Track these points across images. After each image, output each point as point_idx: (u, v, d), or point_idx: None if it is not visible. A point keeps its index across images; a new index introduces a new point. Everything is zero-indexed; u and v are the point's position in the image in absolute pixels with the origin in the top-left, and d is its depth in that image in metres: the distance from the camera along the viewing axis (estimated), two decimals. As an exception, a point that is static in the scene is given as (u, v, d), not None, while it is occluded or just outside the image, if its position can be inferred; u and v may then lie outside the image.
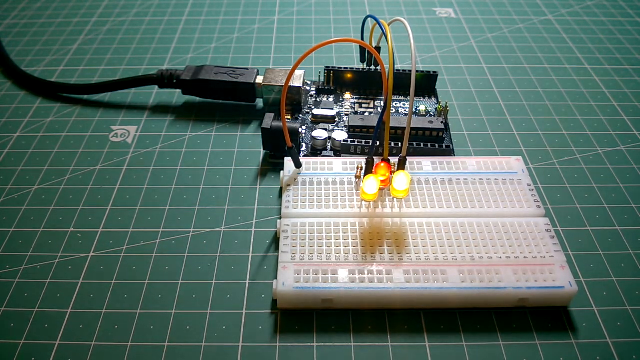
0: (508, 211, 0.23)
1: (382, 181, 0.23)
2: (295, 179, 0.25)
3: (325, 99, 0.31)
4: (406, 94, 0.31)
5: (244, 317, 0.21)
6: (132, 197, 0.26)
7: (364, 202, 0.23)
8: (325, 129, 0.28)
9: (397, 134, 0.27)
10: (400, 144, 0.26)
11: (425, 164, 0.25)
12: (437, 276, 0.21)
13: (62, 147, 0.29)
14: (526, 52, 0.36)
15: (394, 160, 0.23)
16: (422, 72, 0.31)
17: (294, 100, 0.30)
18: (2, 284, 0.22)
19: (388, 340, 0.20)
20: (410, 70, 0.31)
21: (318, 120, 0.29)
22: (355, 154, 0.27)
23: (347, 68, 0.32)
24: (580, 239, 0.24)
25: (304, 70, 0.31)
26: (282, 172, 0.25)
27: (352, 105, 0.31)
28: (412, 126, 0.27)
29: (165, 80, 0.31)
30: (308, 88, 0.32)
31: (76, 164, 0.28)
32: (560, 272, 0.21)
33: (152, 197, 0.26)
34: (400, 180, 0.22)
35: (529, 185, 0.24)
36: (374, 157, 0.23)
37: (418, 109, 0.30)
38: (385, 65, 0.23)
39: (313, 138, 0.27)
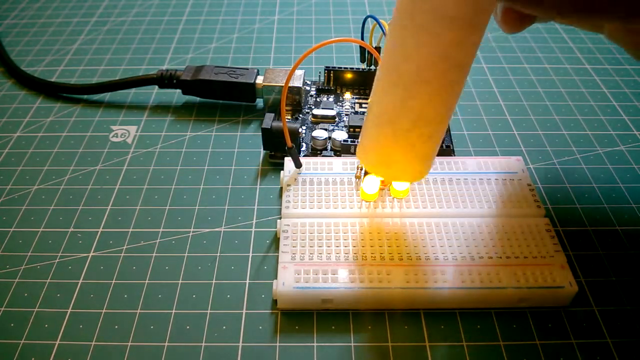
0: (508, 211, 0.23)
1: (382, 181, 0.23)
2: (295, 179, 0.25)
3: (325, 99, 0.31)
4: (406, 94, 0.31)
5: (244, 317, 0.21)
6: (132, 197, 0.26)
7: (364, 202, 0.23)
8: (325, 129, 0.28)
9: (397, 134, 0.27)
10: (400, 144, 0.26)
11: (425, 164, 0.25)
12: (437, 276, 0.21)
13: (62, 147, 0.29)
14: (526, 52, 0.36)
15: (394, 160, 0.23)
16: (422, 72, 0.31)
17: (294, 100, 0.30)
18: (2, 284, 0.22)
19: (388, 340, 0.20)
20: (410, 70, 0.31)
21: (318, 120, 0.29)
22: (355, 154, 0.27)
23: (347, 68, 0.32)
24: (580, 239, 0.24)
25: (304, 70, 0.31)
26: (282, 172, 0.25)
27: (352, 105, 0.31)
28: (412, 126, 0.27)
29: (165, 80, 0.31)
30: (308, 88, 0.32)
31: (76, 164, 0.28)
32: (560, 272, 0.21)
33: (152, 197, 0.26)
34: (400, 180, 0.22)
35: (529, 185, 0.24)
36: (374, 157, 0.23)
37: (418, 109, 0.30)
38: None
39: (313, 138, 0.27)
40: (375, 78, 0.19)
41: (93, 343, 0.20)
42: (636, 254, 0.23)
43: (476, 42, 0.17)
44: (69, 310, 0.21)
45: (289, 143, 0.24)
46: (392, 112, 0.18)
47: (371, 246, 0.22)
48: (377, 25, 0.27)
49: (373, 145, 0.20)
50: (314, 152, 0.28)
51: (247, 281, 0.22)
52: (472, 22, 0.16)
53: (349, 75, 0.32)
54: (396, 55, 0.18)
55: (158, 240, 0.24)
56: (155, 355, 0.20)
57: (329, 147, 0.28)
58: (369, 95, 0.31)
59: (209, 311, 0.21)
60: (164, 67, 0.35)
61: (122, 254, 0.23)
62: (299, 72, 0.30)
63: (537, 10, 0.18)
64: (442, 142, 0.27)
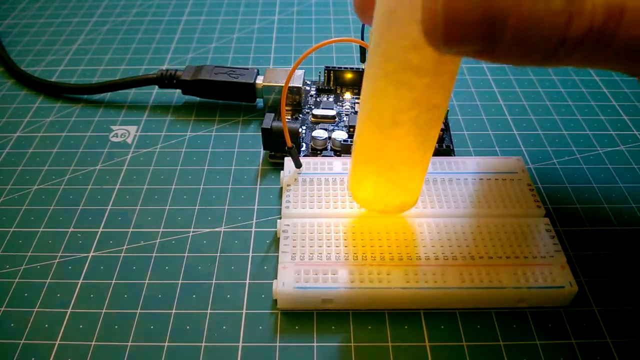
0: (508, 211, 0.23)
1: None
2: (295, 179, 0.25)
3: (325, 99, 0.31)
4: (406, 94, 0.31)
5: (244, 317, 0.21)
6: (132, 197, 0.26)
7: (364, 202, 0.23)
8: (325, 129, 0.28)
9: (397, 134, 0.27)
10: (400, 144, 0.26)
11: (425, 164, 0.25)
12: (437, 276, 0.21)
13: (62, 147, 0.29)
14: (526, 52, 0.36)
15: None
16: (422, 72, 0.31)
17: (294, 100, 0.30)
18: (2, 284, 0.22)
19: (388, 340, 0.20)
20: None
21: (318, 120, 0.29)
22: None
23: (347, 68, 0.32)
24: (580, 239, 0.24)
25: (304, 70, 0.31)
26: (282, 172, 0.25)
27: (352, 105, 0.31)
28: (412, 126, 0.27)
29: (165, 80, 0.31)
30: (308, 88, 0.32)
31: (76, 164, 0.28)
32: (560, 272, 0.21)
33: (152, 197, 0.26)
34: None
35: (529, 185, 0.24)
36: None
37: (418, 109, 0.30)
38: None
39: (313, 138, 0.27)
40: (357, 116, 0.19)
41: (93, 343, 0.20)
42: (636, 254, 0.23)
43: (448, 86, 0.17)
44: (69, 310, 0.21)
45: (289, 143, 0.24)
46: (374, 152, 0.19)
47: (371, 246, 0.22)
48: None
49: (360, 180, 0.21)
50: (314, 152, 0.28)
51: (247, 281, 0.22)
52: (440, 70, 0.16)
53: (349, 75, 0.32)
54: (371, 99, 0.18)
55: (158, 240, 0.24)
56: (155, 355, 0.20)
57: (329, 147, 0.28)
58: (369, 95, 0.31)
59: (209, 311, 0.21)
60: (164, 67, 0.35)
61: (122, 254, 0.23)
62: (299, 72, 0.30)
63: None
64: (442, 142, 0.27)
